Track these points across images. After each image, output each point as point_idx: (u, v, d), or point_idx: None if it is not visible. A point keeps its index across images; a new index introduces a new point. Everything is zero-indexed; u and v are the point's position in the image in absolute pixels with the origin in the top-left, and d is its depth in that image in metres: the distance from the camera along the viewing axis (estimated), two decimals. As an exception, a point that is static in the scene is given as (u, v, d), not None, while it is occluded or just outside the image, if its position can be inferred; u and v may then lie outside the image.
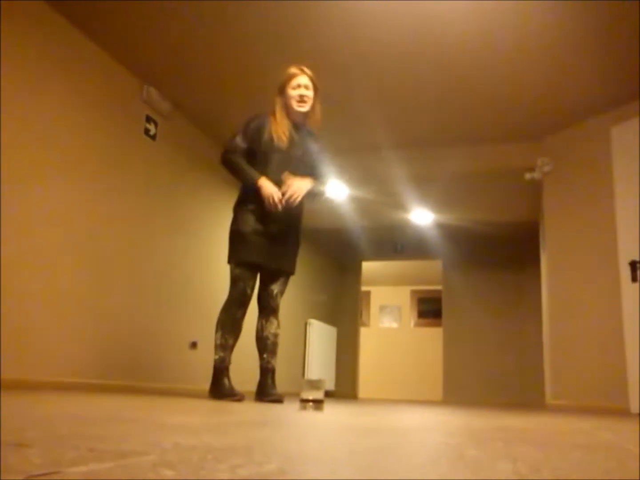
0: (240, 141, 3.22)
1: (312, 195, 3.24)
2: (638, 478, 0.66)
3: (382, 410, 2.79)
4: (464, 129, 5.15)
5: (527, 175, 5.23)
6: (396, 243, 8.56)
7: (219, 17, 3.68)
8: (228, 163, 3.22)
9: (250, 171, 3.15)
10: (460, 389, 7.92)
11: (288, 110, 3.27)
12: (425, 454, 0.82)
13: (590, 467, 0.75)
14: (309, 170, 3.27)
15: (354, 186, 6.05)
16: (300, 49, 3.98)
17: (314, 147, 3.35)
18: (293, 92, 3.22)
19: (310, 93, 3.24)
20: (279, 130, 3.21)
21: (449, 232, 7.82)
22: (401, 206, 6.72)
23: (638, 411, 3.92)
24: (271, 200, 3.06)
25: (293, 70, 3.26)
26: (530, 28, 3.67)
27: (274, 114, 3.26)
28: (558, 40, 3.78)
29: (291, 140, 3.23)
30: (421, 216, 7.10)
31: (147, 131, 4.49)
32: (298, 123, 3.30)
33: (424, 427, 1.52)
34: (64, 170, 3.67)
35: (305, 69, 3.26)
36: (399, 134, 5.30)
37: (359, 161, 5.74)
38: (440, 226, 7.51)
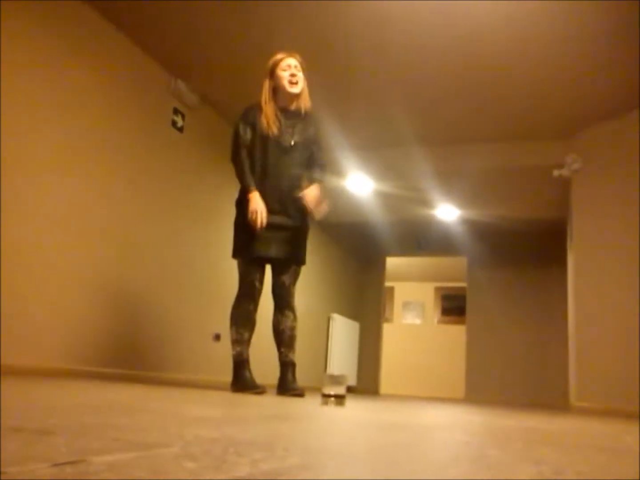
0: (243, 132, 3.21)
1: (310, 176, 3.23)
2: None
3: (404, 407, 2.79)
4: (490, 125, 5.09)
5: (556, 172, 5.15)
6: (420, 239, 8.51)
7: (247, 10, 3.69)
8: (235, 162, 3.23)
9: (248, 178, 3.15)
10: (482, 387, 7.86)
11: (277, 94, 3.24)
12: (447, 453, 0.82)
13: (614, 471, 0.74)
14: (305, 156, 3.24)
15: (378, 181, 6.03)
16: (325, 41, 3.97)
17: (309, 131, 3.29)
18: (284, 73, 3.19)
19: (300, 74, 3.22)
20: (268, 119, 3.18)
21: (474, 229, 7.75)
22: (426, 202, 6.68)
23: (665, 414, 3.85)
24: (254, 216, 3.06)
25: (280, 54, 3.25)
26: (561, 24, 3.61)
27: (264, 102, 3.22)
28: (588, 36, 3.72)
29: (282, 127, 3.20)
30: (446, 212, 7.05)
31: (174, 123, 4.52)
32: (288, 108, 3.25)
33: (445, 425, 1.52)
34: (91, 161, 3.71)
35: (295, 54, 3.25)
36: (425, 129, 5.26)
37: (384, 156, 5.72)
38: (466, 222, 7.44)
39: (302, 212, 3.24)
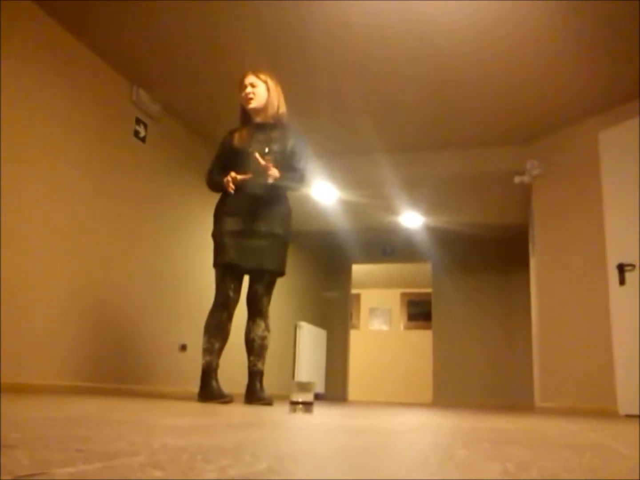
0: (215, 165, 3.38)
1: (283, 185, 3.25)
2: (624, 477, 0.66)
3: (372, 412, 2.79)
4: (453, 132, 5.17)
5: (517, 179, 5.25)
6: (386, 246, 8.58)
7: (208, 18, 3.68)
8: (210, 185, 3.38)
9: (221, 178, 3.23)
10: (450, 391, 7.93)
11: (244, 107, 3.39)
12: (415, 454, 0.82)
13: (577, 466, 0.75)
14: (283, 165, 3.26)
15: (343, 189, 6.06)
16: (290, 51, 3.98)
17: (288, 142, 3.33)
18: (242, 93, 3.35)
19: (257, 89, 3.33)
20: (240, 133, 3.33)
21: (438, 235, 7.85)
22: (391, 209, 6.74)
23: (626, 413, 3.95)
24: (227, 181, 3.12)
25: (244, 72, 3.39)
26: (520, 34, 3.69)
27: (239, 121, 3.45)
28: (547, 46, 3.81)
29: (255, 140, 3.27)
30: (411, 219, 7.12)
31: (136, 133, 4.48)
32: (261, 122, 3.35)
33: (413, 428, 1.53)
34: (52, 172, 3.65)
35: (256, 69, 3.38)
36: (389, 137, 5.32)
37: (349, 164, 5.75)
38: (430, 229, 7.53)
39: (281, 220, 3.28)
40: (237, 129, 3.39)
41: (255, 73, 3.36)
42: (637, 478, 0.65)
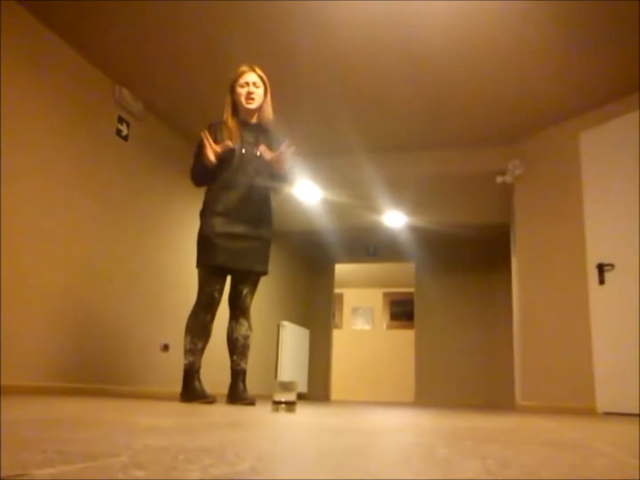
0: (198, 159, 3.25)
1: (273, 185, 3.27)
2: (602, 474, 0.67)
3: (354, 412, 2.80)
4: (436, 133, 5.20)
5: (499, 179, 5.30)
6: (369, 245, 8.60)
7: (193, 18, 3.66)
8: (195, 177, 3.29)
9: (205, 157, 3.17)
10: (432, 390, 7.98)
11: (238, 108, 3.30)
12: (397, 454, 0.83)
13: (556, 463, 0.76)
14: (270, 168, 3.26)
15: (327, 189, 6.07)
16: (271, 49, 3.98)
17: (274, 145, 3.31)
18: (241, 90, 3.25)
19: (259, 90, 3.26)
20: (230, 132, 3.23)
21: (421, 235, 7.88)
22: (374, 209, 6.76)
23: (604, 411, 4.00)
24: (206, 153, 3.09)
25: (242, 68, 3.28)
26: (503, 36, 3.72)
27: (225, 117, 3.29)
28: (529, 47, 3.85)
29: (245, 140, 3.24)
30: (394, 219, 7.14)
31: (119, 132, 4.44)
32: (250, 122, 3.31)
33: (395, 427, 1.53)
34: (32, 170, 3.60)
35: (256, 68, 3.28)
36: (372, 137, 5.33)
37: (332, 164, 5.76)
38: (413, 229, 7.57)
39: (267, 222, 3.29)
40: (221, 125, 3.27)
41: (257, 72, 3.26)
42: (615, 475, 0.66)
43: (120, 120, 4.46)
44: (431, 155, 5.57)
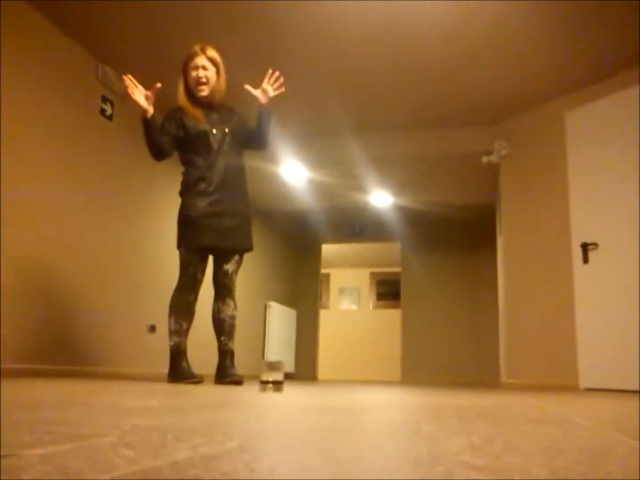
0: (166, 125, 3.25)
1: (254, 145, 3.34)
2: (581, 446, 0.69)
3: (342, 391, 2.83)
4: (422, 113, 5.19)
5: (484, 159, 5.31)
6: (355, 225, 8.61)
7: (176, -5, 3.61)
8: (151, 150, 3.28)
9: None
10: (418, 369, 8.06)
11: (192, 90, 3.26)
12: (384, 430, 0.84)
13: (539, 437, 0.78)
14: (239, 142, 3.29)
15: (313, 169, 6.05)
16: (258, 28, 3.93)
17: (234, 119, 3.33)
18: (192, 74, 3.22)
19: (209, 73, 3.22)
20: (195, 114, 3.22)
21: (407, 215, 7.91)
22: (361, 189, 6.76)
23: (586, 387, 4.07)
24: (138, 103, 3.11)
25: (193, 50, 3.23)
26: (488, 15, 3.71)
27: (182, 101, 3.26)
28: (515, 28, 3.84)
29: (211, 119, 3.24)
30: (380, 199, 7.15)
31: (103, 111, 4.38)
32: (205, 101, 3.27)
33: (382, 405, 1.55)
34: (15, 149, 3.56)
35: (207, 49, 3.22)
36: (358, 117, 5.31)
37: (318, 144, 5.73)
38: (399, 209, 7.58)
39: (245, 198, 3.30)
40: (184, 108, 3.23)
41: (206, 54, 3.20)
42: (593, 446, 0.68)
43: (104, 99, 4.40)
44: (417, 136, 5.57)
